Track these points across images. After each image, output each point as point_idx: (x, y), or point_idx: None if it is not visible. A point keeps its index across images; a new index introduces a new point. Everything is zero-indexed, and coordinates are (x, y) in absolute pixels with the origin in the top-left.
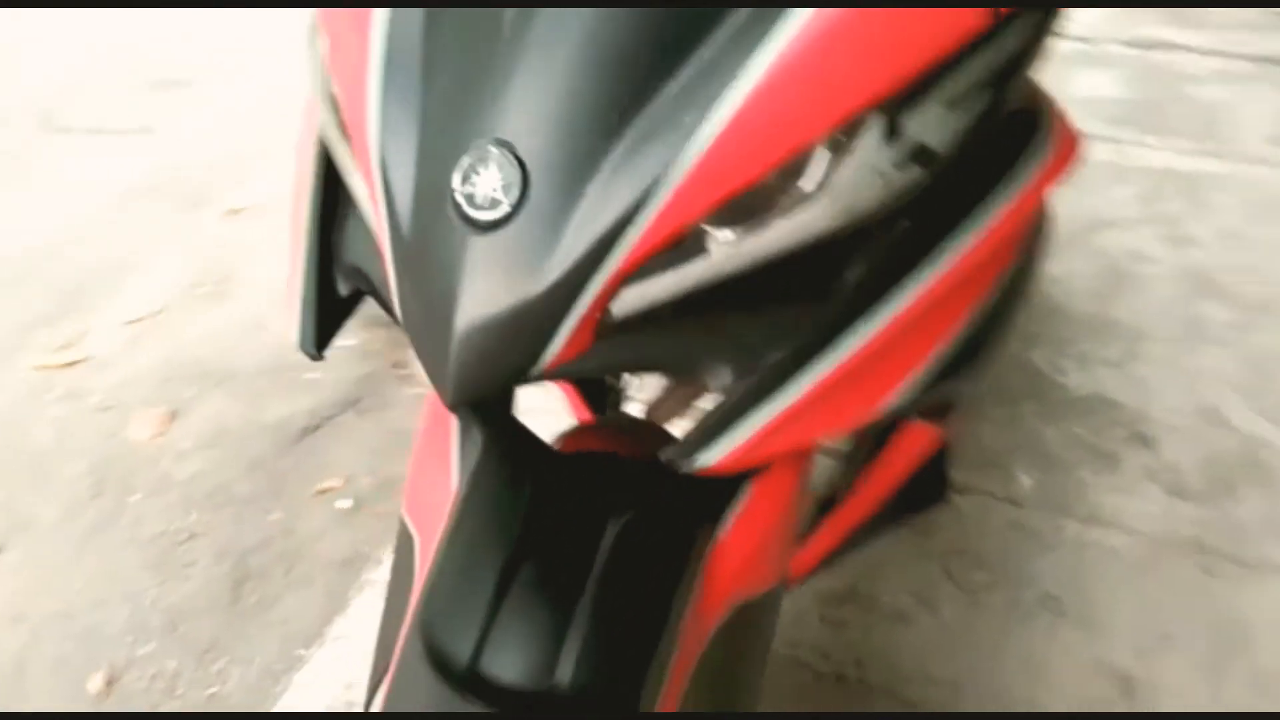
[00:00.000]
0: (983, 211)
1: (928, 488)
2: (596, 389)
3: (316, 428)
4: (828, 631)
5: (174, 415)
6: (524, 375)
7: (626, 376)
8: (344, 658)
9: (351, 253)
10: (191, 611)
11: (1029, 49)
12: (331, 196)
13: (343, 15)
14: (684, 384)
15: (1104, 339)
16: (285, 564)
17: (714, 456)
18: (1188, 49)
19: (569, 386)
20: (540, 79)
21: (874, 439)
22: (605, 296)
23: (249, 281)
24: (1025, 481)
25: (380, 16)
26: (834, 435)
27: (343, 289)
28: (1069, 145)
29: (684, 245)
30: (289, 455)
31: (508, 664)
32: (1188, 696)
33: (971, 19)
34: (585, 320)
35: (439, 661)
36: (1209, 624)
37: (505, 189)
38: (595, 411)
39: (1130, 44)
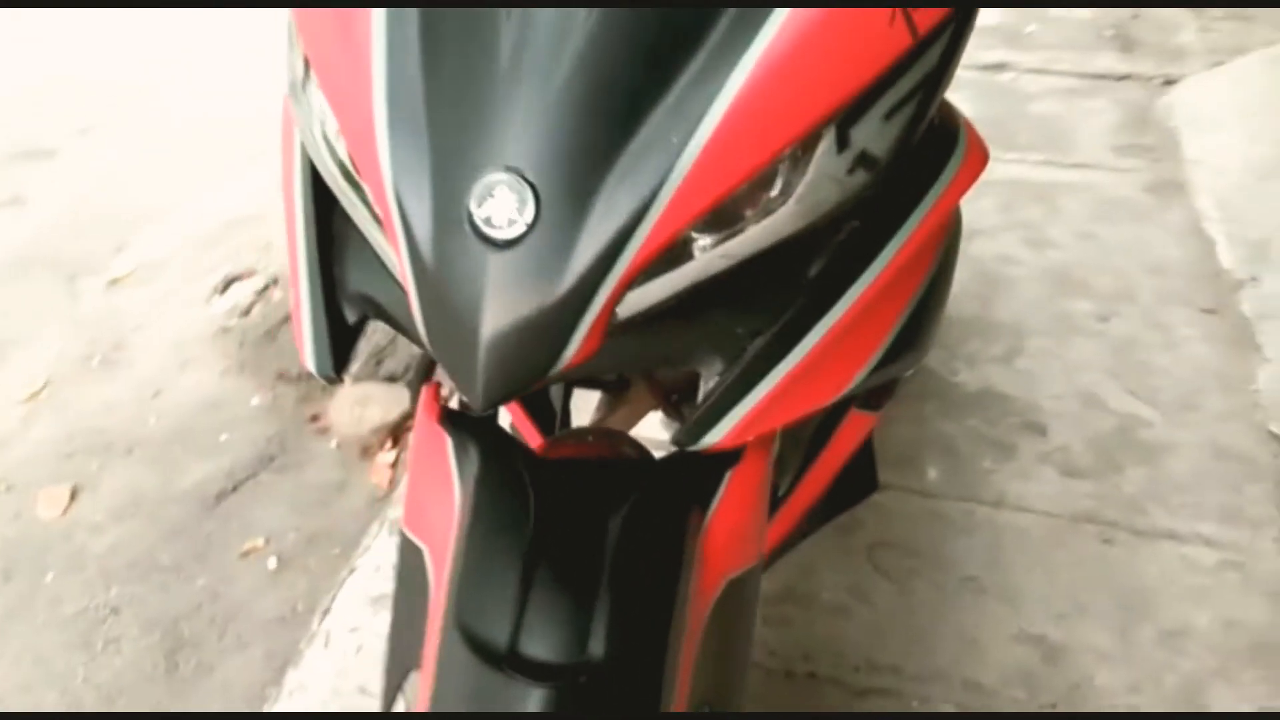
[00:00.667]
0: (917, 211)
1: (861, 479)
2: (545, 413)
3: (234, 489)
4: (771, 630)
5: (80, 489)
6: (544, 376)
7: (574, 398)
8: (310, 706)
9: (356, 281)
10: (127, 686)
11: (946, 67)
12: (325, 225)
13: (329, 37)
14: (626, 401)
15: (988, 338)
16: (218, 629)
17: (717, 435)
18: (1025, 69)
19: (519, 412)
20: (541, 107)
21: (817, 428)
22: (613, 300)
23: (140, 348)
24: (934, 474)
25: (378, 49)
26: (812, 411)
27: (350, 316)
28: (979, 155)
29: (674, 251)
30: (209, 519)
31: (544, 644)
32: (1105, 657)
33: (898, 42)
34: (597, 322)
35: (480, 649)
36: (1114, 589)
37: (520, 208)
38: (544, 433)
39: (975, 68)
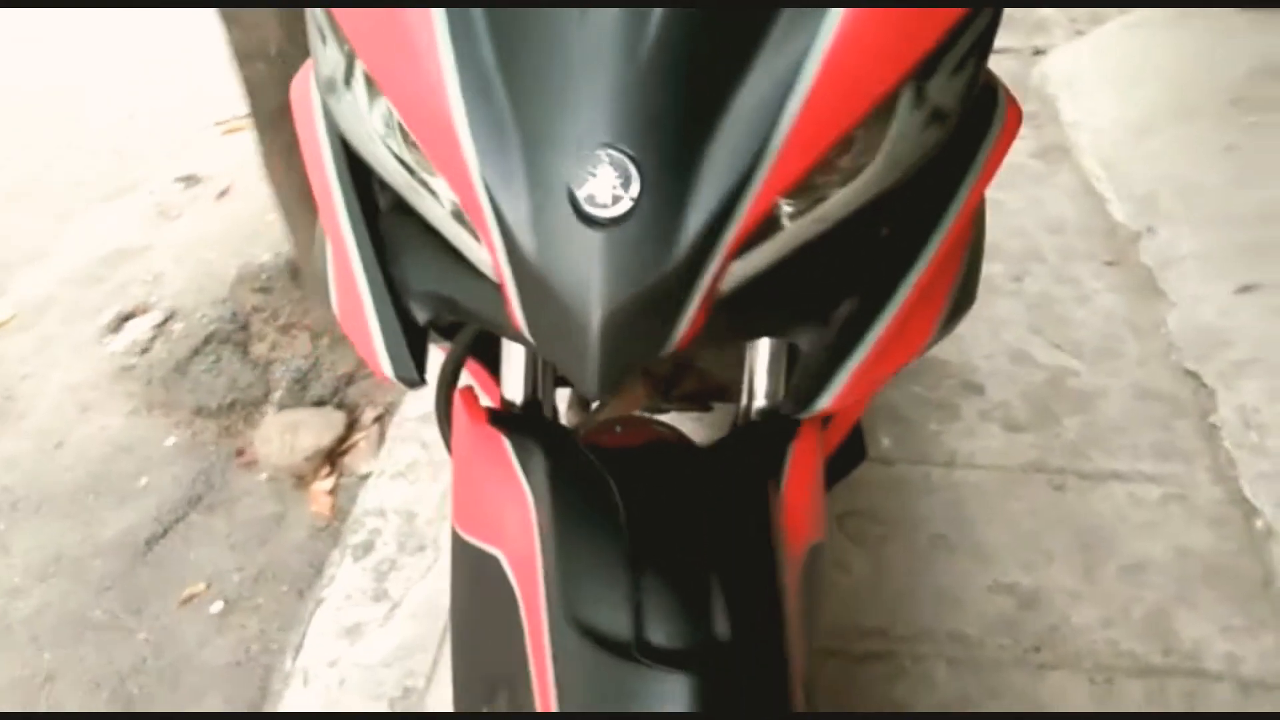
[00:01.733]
0: (974, 167)
1: (852, 449)
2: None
3: (164, 534)
4: None
5: None
6: (656, 355)
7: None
8: None
9: (422, 280)
10: None
11: (993, 27)
12: (372, 223)
13: (383, 34)
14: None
15: None
16: (168, 682)
17: (826, 400)
18: None
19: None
20: (630, 81)
21: None
22: (721, 272)
23: (32, 396)
24: (887, 442)
25: (444, 41)
26: (900, 368)
27: (420, 317)
28: (1016, 111)
29: (769, 221)
30: (141, 568)
31: (669, 631)
32: (1075, 596)
33: (957, 7)
34: (706, 297)
35: (607, 644)
36: (1073, 532)
37: (624, 184)
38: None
39: None
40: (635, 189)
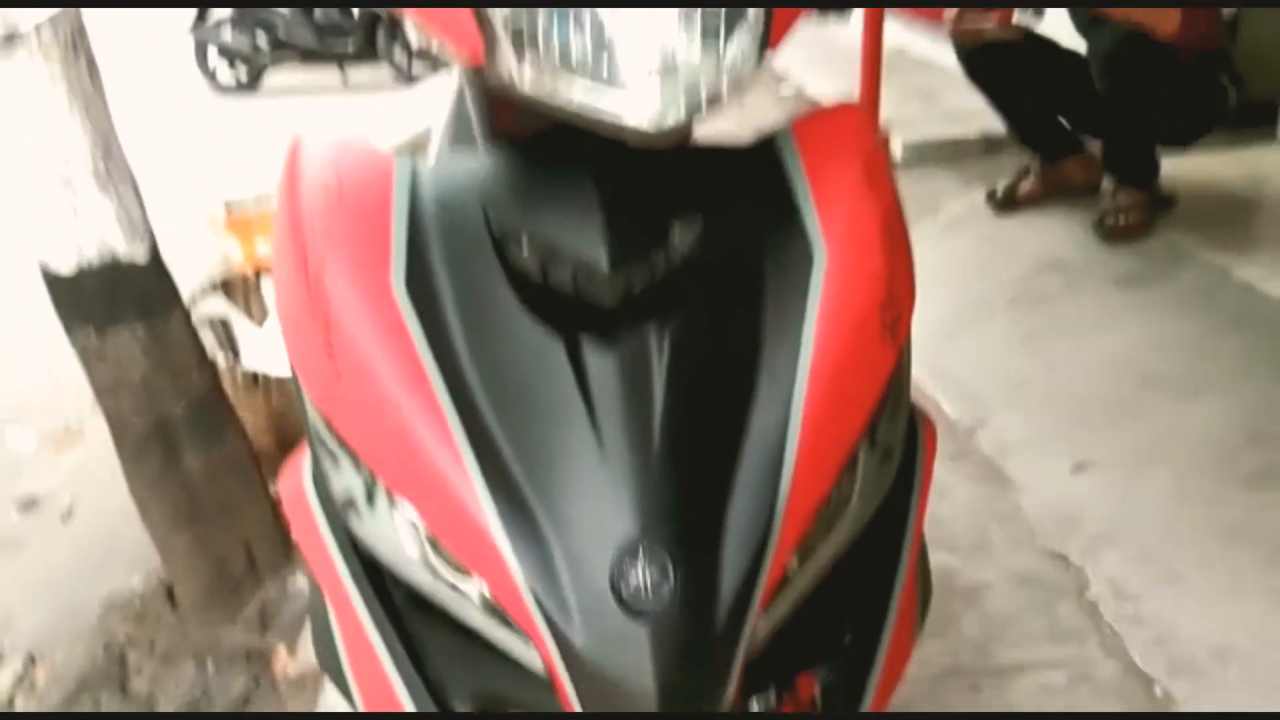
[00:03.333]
0: (916, 483)
1: None
2: None
3: None
4: None
5: None
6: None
7: None
8: None
9: (463, 677)
10: None
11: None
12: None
13: (403, 456)
14: None
15: None
16: None
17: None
18: None
19: None
20: (649, 476)
21: None
22: (754, 632)
23: None
24: None
25: (464, 448)
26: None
27: (463, 708)
28: (931, 428)
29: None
30: None
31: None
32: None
33: (892, 353)
34: (745, 656)
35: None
36: None
37: (663, 576)
38: None
39: None
40: (673, 579)
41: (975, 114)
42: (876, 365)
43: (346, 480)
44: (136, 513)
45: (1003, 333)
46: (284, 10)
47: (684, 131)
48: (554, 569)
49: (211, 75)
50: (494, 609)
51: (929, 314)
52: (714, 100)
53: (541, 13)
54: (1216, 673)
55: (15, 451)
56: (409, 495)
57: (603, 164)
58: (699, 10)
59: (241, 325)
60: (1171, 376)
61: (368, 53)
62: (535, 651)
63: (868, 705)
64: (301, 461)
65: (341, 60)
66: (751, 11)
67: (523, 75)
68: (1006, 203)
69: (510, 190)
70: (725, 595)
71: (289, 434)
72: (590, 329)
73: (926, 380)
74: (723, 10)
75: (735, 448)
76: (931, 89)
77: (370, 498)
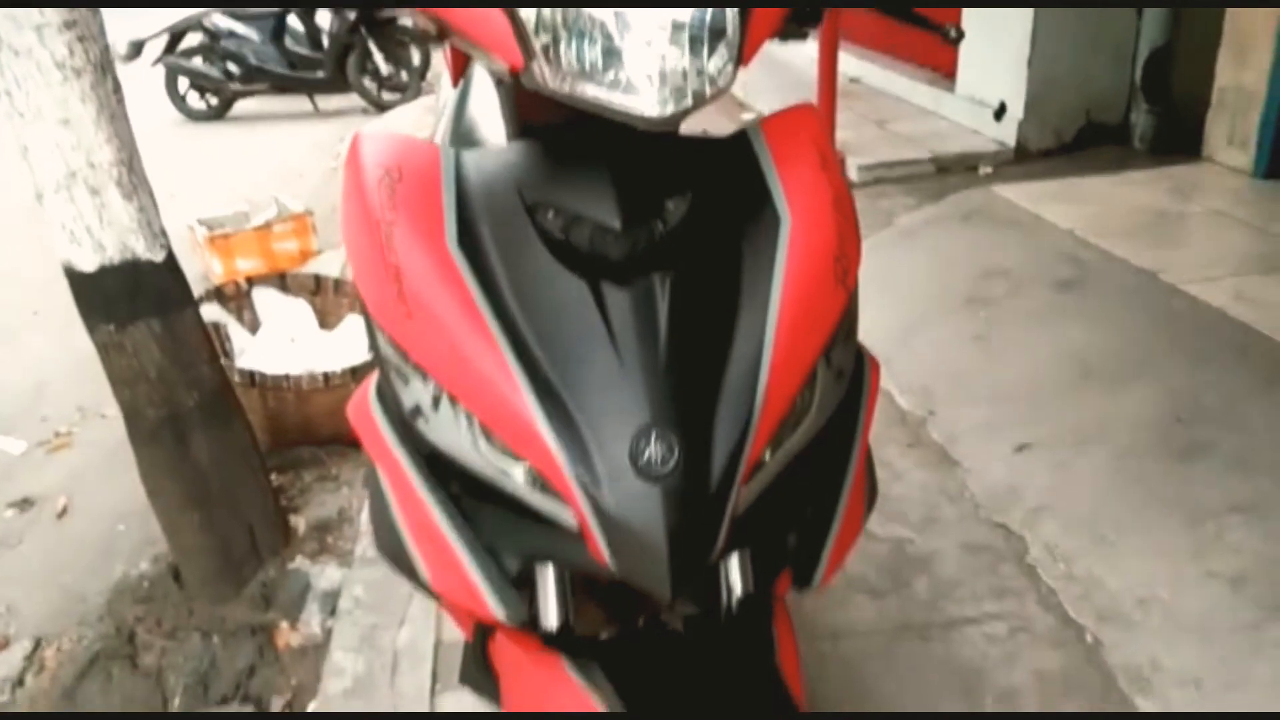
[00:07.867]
0: (863, 400)
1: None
2: None
3: None
4: None
5: None
6: (706, 562)
7: None
8: None
9: (511, 542)
10: None
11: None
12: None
13: (464, 368)
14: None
15: None
16: None
17: (821, 571)
18: None
19: None
20: (656, 373)
21: None
22: (738, 501)
23: None
24: None
25: (510, 358)
26: (854, 545)
27: (513, 569)
28: (875, 364)
29: (759, 462)
30: None
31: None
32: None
33: (845, 293)
34: (730, 518)
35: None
36: (951, 673)
37: (670, 451)
38: None
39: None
40: (678, 454)
41: (926, 138)
42: (831, 304)
43: (415, 394)
44: (130, 511)
45: (951, 333)
46: (255, 39)
47: (678, 119)
48: (586, 449)
49: (181, 101)
50: (537, 482)
51: (883, 318)
52: (700, 98)
53: (565, 31)
54: (1139, 619)
55: (6, 454)
56: (468, 400)
57: (612, 148)
58: (687, 27)
59: (235, 330)
60: (1106, 368)
61: (338, 82)
62: (571, 513)
63: (824, 563)
64: (367, 390)
65: (312, 89)
66: (730, 30)
67: (554, 79)
68: None
69: (538, 169)
70: (716, 468)
71: (282, 430)
72: (608, 276)
73: (881, 376)
74: (706, 28)
75: (722, 364)
76: (884, 115)
77: (436, 404)
